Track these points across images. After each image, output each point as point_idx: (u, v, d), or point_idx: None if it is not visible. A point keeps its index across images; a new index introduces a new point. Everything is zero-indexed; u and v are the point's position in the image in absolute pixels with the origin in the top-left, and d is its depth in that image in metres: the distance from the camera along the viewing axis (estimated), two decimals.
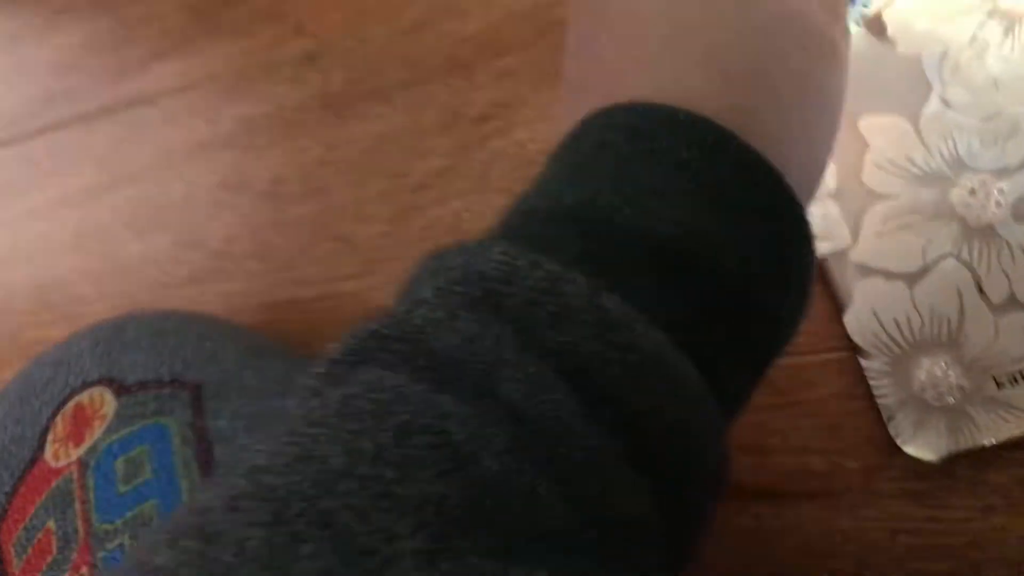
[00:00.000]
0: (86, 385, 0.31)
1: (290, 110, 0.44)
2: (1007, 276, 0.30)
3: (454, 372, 0.16)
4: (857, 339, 0.32)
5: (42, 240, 0.52)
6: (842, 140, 0.31)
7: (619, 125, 0.19)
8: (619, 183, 0.18)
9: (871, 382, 0.32)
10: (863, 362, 0.32)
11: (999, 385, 0.30)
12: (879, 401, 0.32)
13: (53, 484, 0.29)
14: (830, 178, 0.32)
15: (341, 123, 0.43)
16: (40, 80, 0.50)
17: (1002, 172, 0.30)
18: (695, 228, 0.18)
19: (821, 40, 0.21)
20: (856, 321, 0.32)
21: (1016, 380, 0.30)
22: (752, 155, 0.19)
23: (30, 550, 0.28)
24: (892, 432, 0.32)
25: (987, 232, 0.30)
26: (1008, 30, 0.30)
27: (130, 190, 0.49)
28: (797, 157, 0.21)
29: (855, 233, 0.32)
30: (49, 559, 0.28)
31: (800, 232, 0.20)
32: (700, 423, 0.18)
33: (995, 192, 0.30)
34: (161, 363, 0.31)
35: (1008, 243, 0.30)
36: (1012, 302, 0.30)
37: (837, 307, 0.32)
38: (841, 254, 0.32)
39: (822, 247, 0.32)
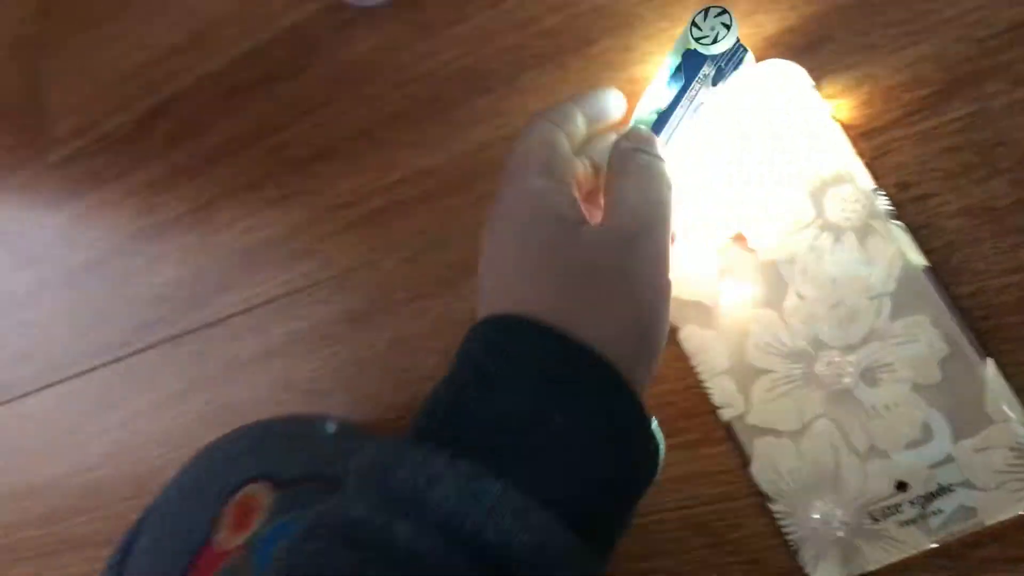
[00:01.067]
0: (246, 482, 0.37)
1: (323, 323, 0.55)
2: (866, 430, 0.38)
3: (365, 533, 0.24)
4: (762, 487, 0.40)
5: (140, 436, 0.64)
6: (727, 328, 0.40)
7: (480, 336, 0.29)
8: (479, 382, 0.28)
9: (779, 522, 0.39)
10: (770, 505, 0.39)
11: (875, 520, 0.37)
12: (787, 537, 0.39)
13: (221, 566, 0.34)
14: (723, 359, 0.40)
15: (362, 331, 0.53)
16: (139, 311, 0.64)
17: (849, 348, 0.38)
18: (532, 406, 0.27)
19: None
20: (760, 472, 0.40)
21: (887, 514, 0.37)
22: (568, 340, 0.28)
23: None
24: (800, 563, 0.39)
25: (846, 396, 0.38)
26: (837, 239, 0.38)
27: (206, 394, 0.60)
28: (601, 337, 0.29)
29: (748, 401, 0.40)
30: None
31: (606, 377, 0.28)
32: (552, 547, 0.25)
33: (847, 364, 0.38)
34: (307, 463, 0.37)
35: (862, 404, 0.38)
36: (873, 450, 0.37)
37: (744, 461, 0.40)
38: (740, 418, 0.40)
39: (725, 413, 0.40)
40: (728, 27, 0.37)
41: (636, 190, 0.32)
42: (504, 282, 0.32)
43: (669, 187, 0.33)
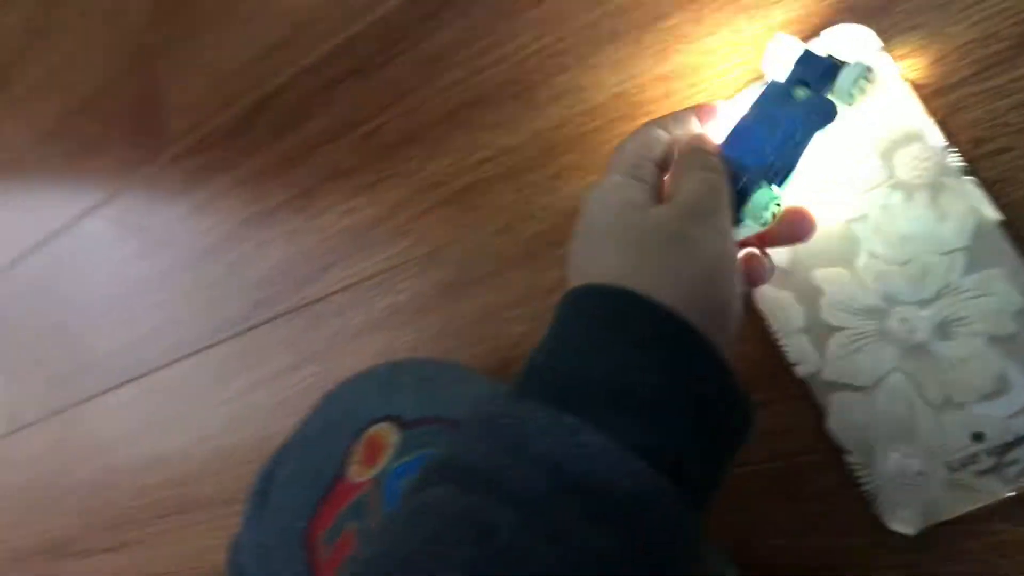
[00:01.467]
0: (374, 421, 0.40)
1: (419, 296, 0.59)
2: (941, 383, 0.38)
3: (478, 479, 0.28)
4: (839, 440, 0.41)
5: (256, 406, 0.70)
6: (802, 288, 0.41)
7: (571, 302, 0.32)
8: (591, 350, 0.30)
9: (855, 473, 0.41)
10: (846, 458, 0.41)
11: (951, 470, 0.38)
12: (863, 488, 0.40)
13: (355, 497, 0.37)
14: (798, 318, 0.42)
15: (455, 302, 0.57)
16: (252, 291, 0.69)
17: (922, 303, 0.39)
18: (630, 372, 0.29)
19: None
20: (836, 425, 0.41)
21: (964, 464, 0.38)
22: (654, 306, 0.30)
23: (335, 544, 0.36)
24: (876, 513, 0.40)
25: (919, 350, 0.39)
26: (908, 197, 0.39)
27: (315, 366, 0.65)
28: (676, 297, 0.31)
29: (823, 357, 0.41)
30: (349, 552, 0.36)
31: (685, 337, 0.30)
32: (650, 492, 0.27)
33: (920, 319, 0.39)
34: (430, 405, 0.40)
35: (937, 357, 0.38)
36: (948, 402, 0.38)
37: (819, 416, 0.42)
38: (815, 374, 0.41)
39: (801, 370, 0.42)
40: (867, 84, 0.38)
41: (694, 178, 0.34)
42: (588, 257, 0.35)
43: (725, 181, 0.35)
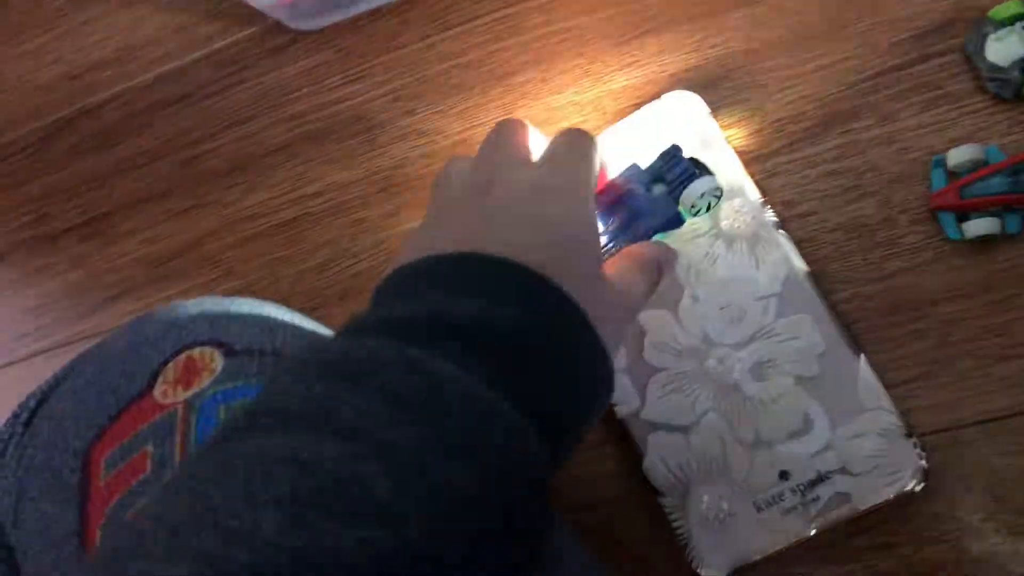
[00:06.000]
0: (197, 343, 0.34)
1: None
2: (753, 422, 0.39)
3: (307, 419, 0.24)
4: (654, 482, 0.40)
5: None
6: (628, 330, 0.42)
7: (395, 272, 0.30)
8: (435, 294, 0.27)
9: (669, 516, 0.40)
10: (661, 500, 0.40)
11: (759, 509, 0.38)
12: (677, 531, 0.39)
13: (157, 416, 0.32)
14: (621, 358, 0.42)
15: None
16: (18, 322, 0.60)
17: (738, 345, 0.40)
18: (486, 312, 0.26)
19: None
20: (652, 466, 0.40)
21: (770, 503, 0.38)
22: (502, 261, 0.28)
23: (122, 466, 0.31)
24: (687, 556, 0.39)
25: (734, 390, 0.40)
26: (729, 246, 0.42)
27: None
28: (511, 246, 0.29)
29: (643, 398, 0.41)
30: (141, 477, 0.30)
31: (548, 292, 0.27)
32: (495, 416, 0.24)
33: (736, 360, 0.40)
34: (264, 337, 0.35)
35: (749, 397, 0.40)
36: (758, 441, 0.39)
37: (638, 458, 0.41)
38: (635, 414, 0.41)
39: (621, 410, 0.42)
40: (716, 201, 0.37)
41: (558, 140, 0.34)
42: (427, 236, 0.33)
43: (593, 148, 0.34)
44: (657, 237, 0.37)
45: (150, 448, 0.31)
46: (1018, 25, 0.39)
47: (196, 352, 0.34)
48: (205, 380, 0.33)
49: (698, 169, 0.37)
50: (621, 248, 0.36)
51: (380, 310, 0.28)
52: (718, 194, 0.37)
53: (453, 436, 0.23)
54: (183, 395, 0.33)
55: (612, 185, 0.37)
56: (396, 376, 0.24)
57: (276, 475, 0.22)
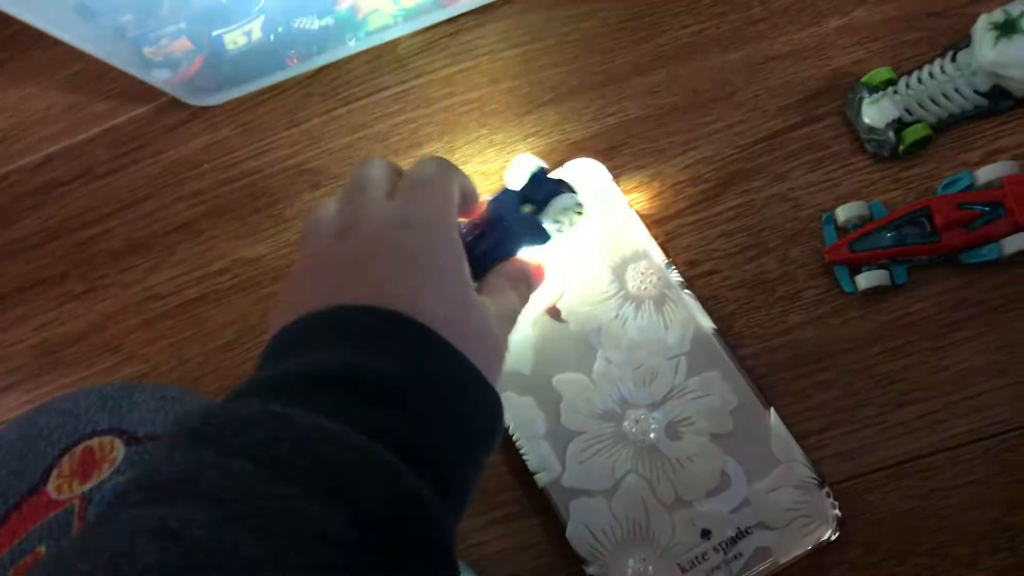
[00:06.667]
0: (96, 433, 0.32)
1: None
2: (672, 482, 0.40)
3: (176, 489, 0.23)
4: (578, 550, 0.40)
5: None
6: (543, 393, 0.42)
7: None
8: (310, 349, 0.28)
9: None
10: (586, 569, 0.40)
11: (683, 571, 0.38)
12: None
13: (52, 514, 0.30)
14: (540, 424, 0.42)
15: None
16: None
17: (653, 406, 0.41)
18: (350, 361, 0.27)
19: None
20: (575, 534, 0.40)
21: (695, 564, 0.38)
22: (383, 312, 0.29)
23: (12, 570, 0.29)
24: None
25: (652, 451, 0.40)
26: (637, 308, 0.42)
27: None
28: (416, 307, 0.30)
29: (563, 463, 0.41)
30: None
31: (425, 338, 0.29)
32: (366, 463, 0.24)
33: (651, 420, 0.41)
34: (168, 420, 0.33)
35: (667, 457, 0.40)
36: (679, 501, 0.39)
37: (561, 527, 0.40)
38: (556, 482, 0.41)
39: (542, 479, 0.41)
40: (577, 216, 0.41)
41: (411, 181, 0.35)
42: (296, 294, 0.34)
43: (451, 174, 0.36)
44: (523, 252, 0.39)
45: (43, 549, 0.30)
46: (890, 89, 0.41)
47: (95, 442, 0.32)
48: (105, 471, 0.31)
49: (563, 188, 0.40)
50: (495, 267, 0.38)
51: (256, 375, 0.29)
52: (579, 210, 0.41)
53: (320, 482, 0.23)
54: (79, 489, 0.31)
55: (484, 208, 0.39)
56: (260, 434, 0.24)
57: (142, 547, 0.21)
